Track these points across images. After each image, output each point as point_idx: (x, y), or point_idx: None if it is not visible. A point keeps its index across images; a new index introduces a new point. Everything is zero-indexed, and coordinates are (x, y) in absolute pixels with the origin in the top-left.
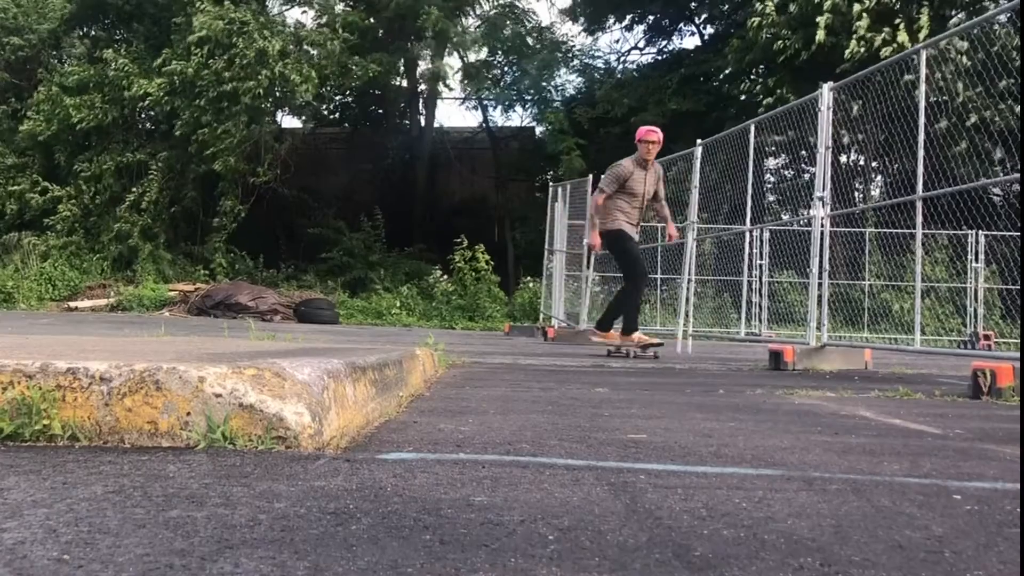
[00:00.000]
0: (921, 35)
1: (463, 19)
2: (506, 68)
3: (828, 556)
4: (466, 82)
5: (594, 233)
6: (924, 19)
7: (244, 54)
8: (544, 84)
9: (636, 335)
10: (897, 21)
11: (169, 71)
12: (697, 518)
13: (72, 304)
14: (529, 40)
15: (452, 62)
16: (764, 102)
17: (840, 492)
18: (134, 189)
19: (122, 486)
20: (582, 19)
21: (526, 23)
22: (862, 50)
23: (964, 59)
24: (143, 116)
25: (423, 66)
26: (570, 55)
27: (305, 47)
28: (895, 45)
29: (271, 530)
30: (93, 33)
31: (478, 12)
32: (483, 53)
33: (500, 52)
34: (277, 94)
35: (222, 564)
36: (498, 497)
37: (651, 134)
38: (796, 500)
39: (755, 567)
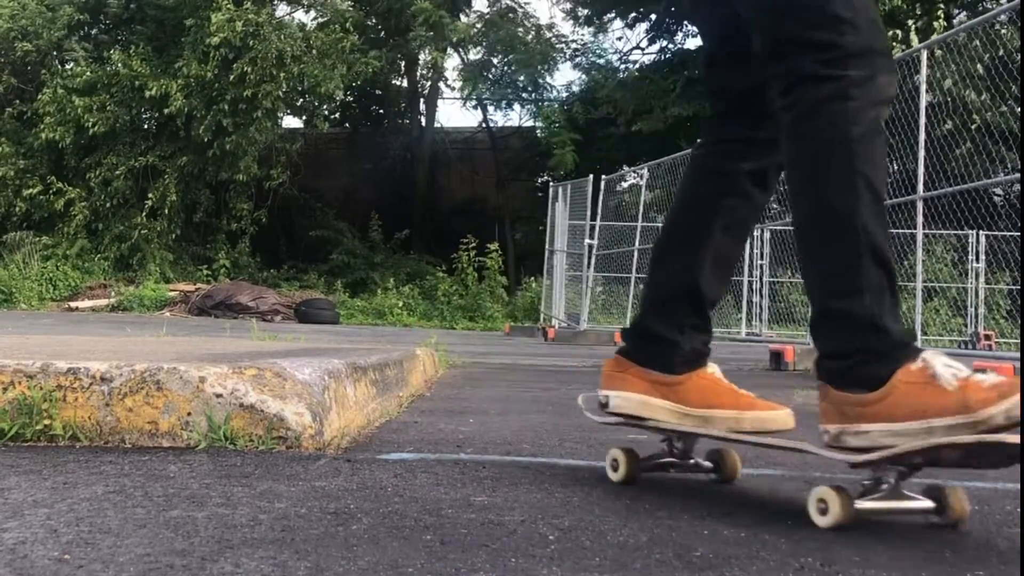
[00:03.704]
0: (934, 37)
1: (460, 17)
2: (504, 67)
3: (829, 556)
4: (464, 80)
5: None
6: (940, 22)
7: (265, 56)
8: (541, 81)
9: None
10: (910, 22)
11: (185, 74)
12: (697, 518)
13: (73, 304)
14: (528, 38)
15: (450, 63)
16: None
17: None
18: (151, 195)
19: (123, 486)
20: (582, 17)
21: (525, 24)
22: None
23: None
24: (153, 120)
25: (422, 59)
26: (573, 53)
27: (314, 48)
28: (905, 47)
29: (272, 530)
30: (95, 33)
31: (474, 10)
32: (480, 51)
33: (498, 50)
34: (293, 94)
35: (223, 564)
36: (499, 497)
37: None
38: (797, 500)
39: (755, 567)
